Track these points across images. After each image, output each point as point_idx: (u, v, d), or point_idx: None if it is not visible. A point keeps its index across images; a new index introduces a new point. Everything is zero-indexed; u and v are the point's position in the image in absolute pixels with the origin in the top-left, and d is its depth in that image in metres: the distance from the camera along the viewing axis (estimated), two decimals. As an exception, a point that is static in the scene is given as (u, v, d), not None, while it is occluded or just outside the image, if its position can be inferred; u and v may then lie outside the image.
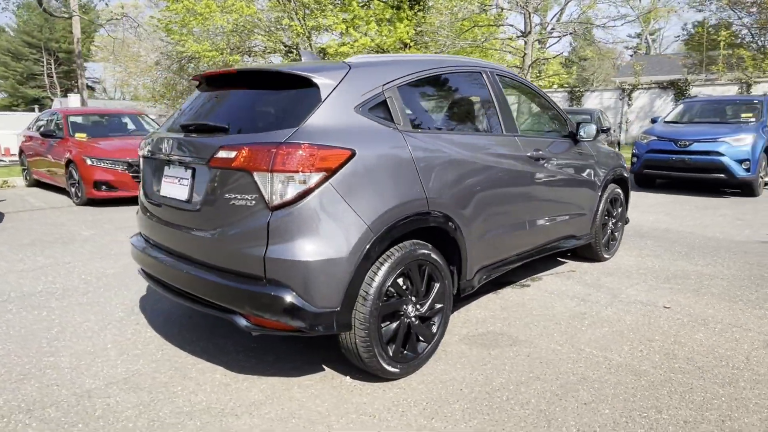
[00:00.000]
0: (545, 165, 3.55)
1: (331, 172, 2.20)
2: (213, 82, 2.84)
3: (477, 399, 2.44)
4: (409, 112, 2.71)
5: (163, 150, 2.68)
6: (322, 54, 18.89)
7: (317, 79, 2.37)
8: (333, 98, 2.36)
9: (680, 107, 9.83)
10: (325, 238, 2.19)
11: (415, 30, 18.91)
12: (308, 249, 2.16)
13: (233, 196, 2.26)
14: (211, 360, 2.82)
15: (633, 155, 8.98)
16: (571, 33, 17.82)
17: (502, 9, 19.44)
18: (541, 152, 3.51)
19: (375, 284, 2.34)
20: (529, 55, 16.65)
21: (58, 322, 3.32)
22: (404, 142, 2.54)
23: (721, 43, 19.02)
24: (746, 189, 8.20)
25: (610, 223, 4.66)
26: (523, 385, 2.56)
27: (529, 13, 16.04)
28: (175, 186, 2.62)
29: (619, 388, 2.52)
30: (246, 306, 2.25)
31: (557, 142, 3.87)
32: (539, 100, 4.09)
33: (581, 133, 3.93)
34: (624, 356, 2.86)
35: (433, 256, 2.64)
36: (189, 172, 2.54)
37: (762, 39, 19.95)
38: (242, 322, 2.29)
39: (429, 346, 2.72)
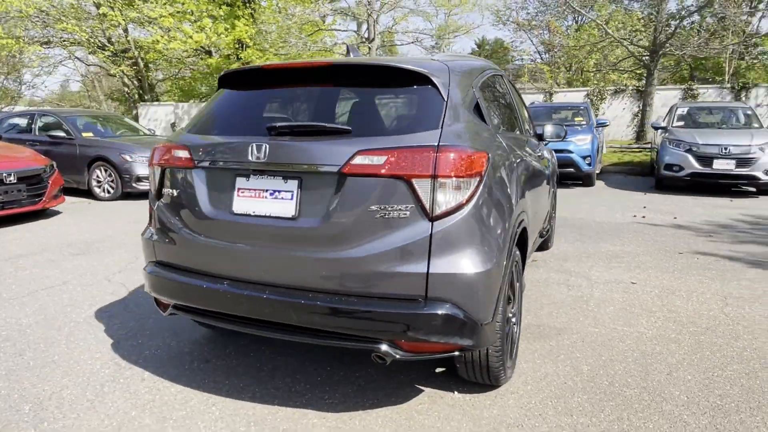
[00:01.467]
0: (541, 163, 3.83)
1: (481, 177, 2.08)
2: (285, 76, 2.43)
3: (586, 388, 2.55)
4: (488, 112, 2.69)
5: (242, 156, 2.18)
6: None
7: (435, 78, 2.20)
8: (451, 98, 2.22)
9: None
10: (482, 246, 2.06)
11: (255, 29, 18.19)
12: (472, 260, 2.01)
13: (380, 207, 1.97)
14: (301, 406, 2.41)
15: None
16: (413, 42, 19.07)
17: (338, 14, 19.85)
18: (537, 152, 3.77)
19: (504, 291, 2.28)
20: (374, 61, 17.35)
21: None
22: (501, 142, 2.51)
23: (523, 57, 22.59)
24: (587, 180, 9.85)
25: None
26: (607, 368, 2.75)
27: (374, 20, 16.71)
28: (265, 201, 2.16)
29: (677, 356, 2.88)
30: (401, 331, 1.99)
31: (533, 142, 4.20)
32: (520, 101, 4.37)
33: (546, 134, 4.31)
34: (649, 328, 3.27)
35: (519, 256, 2.67)
36: (293, 182, 2.12)
37: (548, 56, 24.03)
38: (388, 349, 2.02)
39: (516, 348, 2.74)
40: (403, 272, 1.97)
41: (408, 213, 1.96)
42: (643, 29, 15.73)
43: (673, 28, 13.48)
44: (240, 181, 2.22)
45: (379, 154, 1.97)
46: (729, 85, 16.99)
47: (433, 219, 1.96)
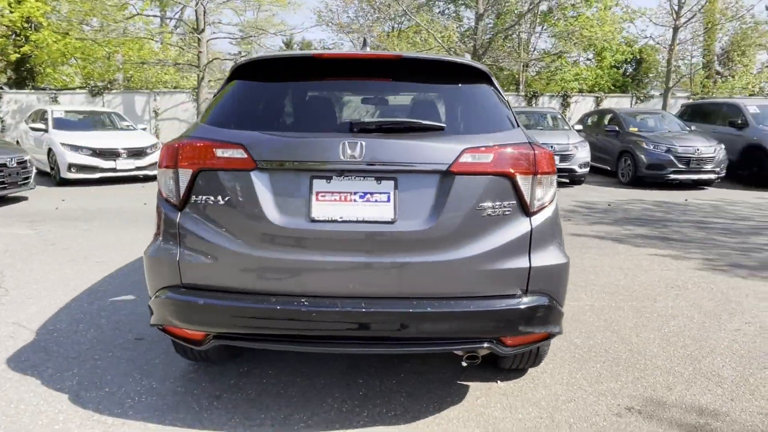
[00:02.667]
0: None
1: (555, 174, 2.20)
2: (339, 67, 2.19)
3: (594, 358, 2.89)
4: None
5: (328, 156, 1.93)
6: None
7: (492, 77, 2.26)
8: (505, 98, 2.31)
9: None
10: (561, 238, 2.19)
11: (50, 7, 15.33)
12: (559, 252, 2.13)
13: (486, 206, 1.96)
14: (368, 423, 2.24)
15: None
16: (245, 36, 18.04)
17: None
18: None
19: None
20: (204, 53, 16.01)
21: None
22: None
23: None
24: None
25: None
26: (593, 338, 3.15)
27: (204, 10, 15.43)
28: (354, 205, 1.94)
29: (632, 321, 3.43)
30: (508, 327, 2.01)
31: None
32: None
33: None
34: (594, 301, 3.81)
35: None
36: (388, 183, 1.95)
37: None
38: (493, 347, 2.03)
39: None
40: (508, 269, 2.00)
41: (510, 210, 2.00)
42: (461, 41, 17.66)
43: (488, 43, 15.46)
44: (319, 184, 1.96)
45: (485, 152, 1.96)
46: (523, 94, 20.19)
47: (531, 214, 2.03)
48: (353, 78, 2.21)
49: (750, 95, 20.40)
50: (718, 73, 24.07)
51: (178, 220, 2.04)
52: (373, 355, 2.82)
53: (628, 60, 24.95)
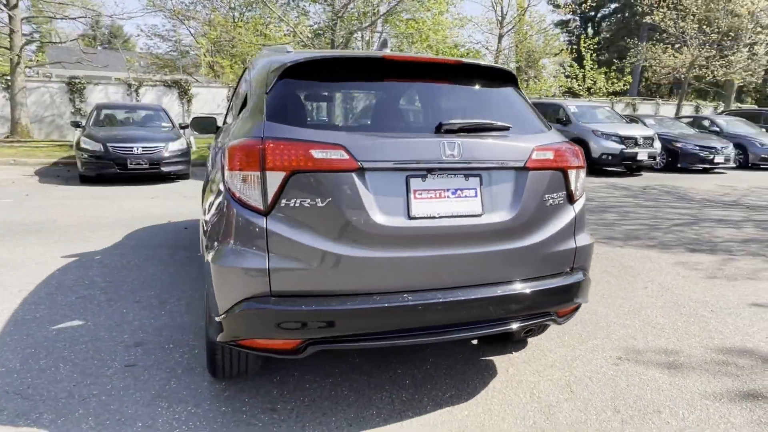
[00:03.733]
0: None
1: None
2: (404, 70, 2.25)
3: (588, 320, 3.40)
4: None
5: (427, 155, 2.01)
6: None
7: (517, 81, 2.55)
8: None
9: None
10: (586, 221, 2.58)
11: None
12: (588, 233, 2.52)
13: (548, 196, 2.24)
14: (435, 406, 2.36)
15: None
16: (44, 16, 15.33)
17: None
18: None
19: None
20: (18, 33, 13.34)
21: None
22: None
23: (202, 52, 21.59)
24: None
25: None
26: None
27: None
28: (447, 201, 2.05)
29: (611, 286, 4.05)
30: (566, 301, 2.33)
31: None
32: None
33: None
34: (600, 269, 4.38)
35: None
36: (475, 180, 2.12)
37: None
38: (554, 318, 2.34)
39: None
40: (563, 250, 2.32)
41: (562, 200, 2.31)
42: (314, 37, 17.68)
43: (346, 40, 15.77)
44: (415, 183, 2.03)
45: (548, 150, 2.24)
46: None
47: (574, 202, 2.37)
48: (418, 80, 2.30)
49: (549, 96, 24.25)
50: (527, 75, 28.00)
51: (266, 225, 1.93)
52: (392, 350, 2.92)
53: (458, 62, 27.59)
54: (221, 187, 2.07)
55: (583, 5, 22.59)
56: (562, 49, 25.26)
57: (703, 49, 20.27)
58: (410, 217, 2.02)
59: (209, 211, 2.34)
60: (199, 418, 2.25)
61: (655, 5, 22.17)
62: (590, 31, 25.69)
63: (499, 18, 20.20)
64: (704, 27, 20.33)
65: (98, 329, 3.10)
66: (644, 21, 31.90)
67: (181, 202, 7.35)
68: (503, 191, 2.19)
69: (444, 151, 2.05)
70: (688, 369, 2.80)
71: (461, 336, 2.14)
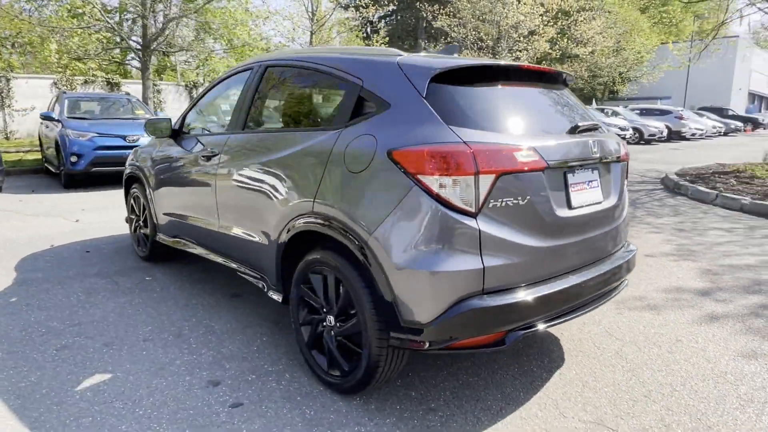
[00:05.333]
0: None
1: None
2: (519, 75, 2.49)
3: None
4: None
5: (583, 153, 2.41)
6: None
7: None
8: None
9: (66, 103, 9.55)
10: None
11: None
12: None
13: (622, 182, 2.76)
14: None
15: (73, 153, 8.29)
16: None
17: None
18: None
19: None
20: None
21: None
22: None
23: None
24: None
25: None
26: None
27: None
28: (586, 192, 2.42)
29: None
30: (630, 268, 2.82)
31: None
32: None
33: None
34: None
35: None
36: (596, 172, 2.52)
37: None
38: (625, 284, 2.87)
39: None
40: (625, 225, 2.87)
41: (623, 184, 2.86)
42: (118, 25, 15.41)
43: (161, 30, 14.09)
44: (570, 177, 2.33)
45: (623, 146, 2.76)
46: (183, 84, 19.52)
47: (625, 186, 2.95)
48: (539, 86, 2.56)
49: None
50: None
51: (477, 225, 2.01)
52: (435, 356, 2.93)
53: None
54: (411, 194, 2.03)
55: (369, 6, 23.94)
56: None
57: (481, 53, 23.92)
58: (570, 208, 2.33)
59: (377, 219, 2.14)
60: (368, 414, 2.18)
61: (438, 12, 25.27)
62: (369, 30, 27.80)
63: (310, 14, 20.51)
64: (481, 34, 24.00)
65: (164, 374, 2.58)
66: (423, 25, 35.77)
67: (31, 222, 5.97)
68: (611, 180, 2.66)
69: (591, 149, 2.42)
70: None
71: (602, 303, 2.52)
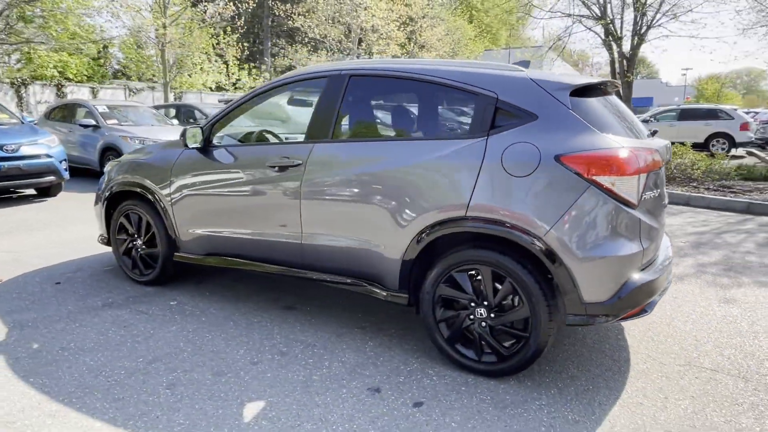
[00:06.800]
0: None
1: None
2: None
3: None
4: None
5: (666, 155, 2.86)
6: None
7: None
8: None
9: None
10: None
11: None
12: None
13: None
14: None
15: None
16: None
17: None
18: None
19: None
20: None
21: None
22: None
23: None
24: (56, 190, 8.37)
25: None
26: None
27: None
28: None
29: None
30: None
31: None
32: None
33: None
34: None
35: None
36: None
37: None
38: None
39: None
40: None
41: None
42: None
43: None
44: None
45: None
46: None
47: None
48: (613, 96, 2.96)
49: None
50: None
51: (638, 215, 2.45)
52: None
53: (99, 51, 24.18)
54: (587, 193, 2.37)
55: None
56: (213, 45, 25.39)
57: (342, 52, 24.53)
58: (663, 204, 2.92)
59: (552, 216, 2.43)
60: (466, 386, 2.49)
61: (292, 13, 25.19)
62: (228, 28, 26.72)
63: (162, 8, 18.85)
64: (338, 34, 24.57)
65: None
66: (271, 24, 35.15)
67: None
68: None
69: (668, 152, 2.98)
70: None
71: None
